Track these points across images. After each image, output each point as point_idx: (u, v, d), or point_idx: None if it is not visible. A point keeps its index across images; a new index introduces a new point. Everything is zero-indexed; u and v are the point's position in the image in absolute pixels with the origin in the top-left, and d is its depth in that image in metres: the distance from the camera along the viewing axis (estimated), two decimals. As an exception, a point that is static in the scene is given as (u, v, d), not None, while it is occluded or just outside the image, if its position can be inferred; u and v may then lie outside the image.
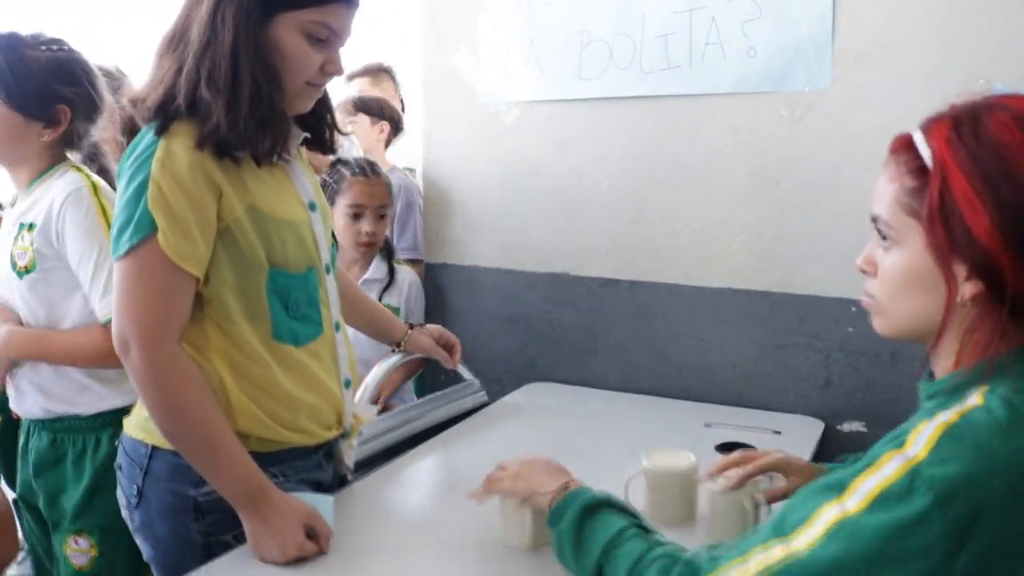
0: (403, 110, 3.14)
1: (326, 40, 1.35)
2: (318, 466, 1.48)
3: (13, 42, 1.66)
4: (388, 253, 2.35)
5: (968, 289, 0.91)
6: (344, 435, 1.53)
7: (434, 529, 1.44)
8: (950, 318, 0.94)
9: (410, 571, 1.32)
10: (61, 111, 1.70)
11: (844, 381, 1.95)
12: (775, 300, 2.00)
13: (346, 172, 2.26)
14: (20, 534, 1.40)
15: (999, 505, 0.82)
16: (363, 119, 2.88)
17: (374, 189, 2.25)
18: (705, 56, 1.96)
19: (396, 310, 2.28)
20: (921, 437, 0.87)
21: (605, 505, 1.13)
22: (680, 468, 1.43)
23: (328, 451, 1.51)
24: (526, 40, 2.17)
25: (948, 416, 0.88)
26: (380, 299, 2.26)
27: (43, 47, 1.69)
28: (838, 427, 1.94)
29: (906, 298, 0.98)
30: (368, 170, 2.26)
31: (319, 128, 1.53)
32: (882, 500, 0.84)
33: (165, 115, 1.31)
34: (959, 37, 1.74)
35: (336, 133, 1.57)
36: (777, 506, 1.26)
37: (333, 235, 1.94)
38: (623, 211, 2.15)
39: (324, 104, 1.51)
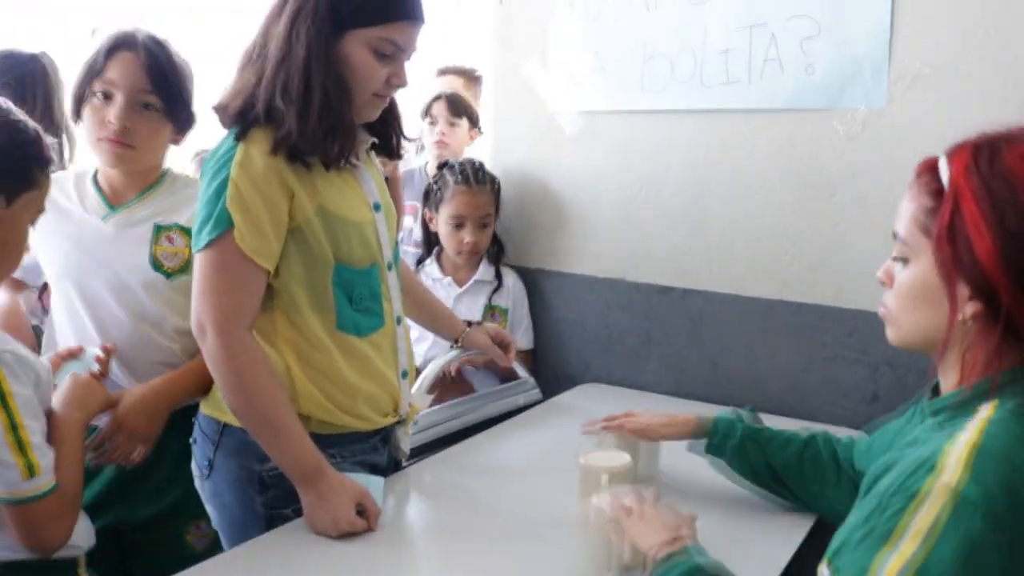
0: None
1: (392, 55, 1.46)
2: (374, 449, 1.59)
3: (160, 41, 1.68)
4: (497, 256, 2.40)
5: (969, 308, 0.97)
6: (400, 422, 1.63)
7: (479, 514, 1.54)
8: (952, 334, 0.99)
9: (453, 551, 1.41)
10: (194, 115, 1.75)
11: (891, 395, 1.97)
12: (825, 313, 2.03)
13: (450, 179, 2.32)
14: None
15: None
16: (464, 123, 2.94)
17: (477, 200, 2.31)
18: (764, 72, 2.00)
19: (505, 311, 2.36)
20: (953, 462, 0.90)
21: (707, 571, 1.11)
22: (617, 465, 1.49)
23: (384, 436, 1.62)
24: (592, 51, 2.25)
25: (970, 435, 0.93)
26: (490, 300, 2.35)
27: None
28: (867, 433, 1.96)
29: (914, 311, 1.04)
30: (472, 179, 2.31)
31: (386, 135, 1.64)
32: (939, 533, 0.86)
33: (244, 122, 1.44)
34: (1015, 62, 1.75)
35: (402, 139, 1.69)
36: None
37: (432, 234, 2.08)
38: (680, 220, 2.20)
39: (392, 112, 1.62)
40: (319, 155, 1.45)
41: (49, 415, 1.35)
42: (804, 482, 1.48)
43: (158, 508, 1.70)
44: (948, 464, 0.90)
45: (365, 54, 1.45)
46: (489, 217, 2.34)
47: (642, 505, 1.25)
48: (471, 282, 2.36)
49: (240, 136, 1.42)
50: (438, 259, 2.41)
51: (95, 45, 1.65)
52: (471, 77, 3.26)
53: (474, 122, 2.98)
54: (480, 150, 2.64)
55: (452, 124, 2.92)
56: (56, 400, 1.39)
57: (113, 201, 1.70)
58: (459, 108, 2.92)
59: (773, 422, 1.99)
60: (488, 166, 2.43)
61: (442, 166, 2.40)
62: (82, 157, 2.05)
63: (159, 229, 1.68)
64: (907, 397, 1.94)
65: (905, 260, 1.07)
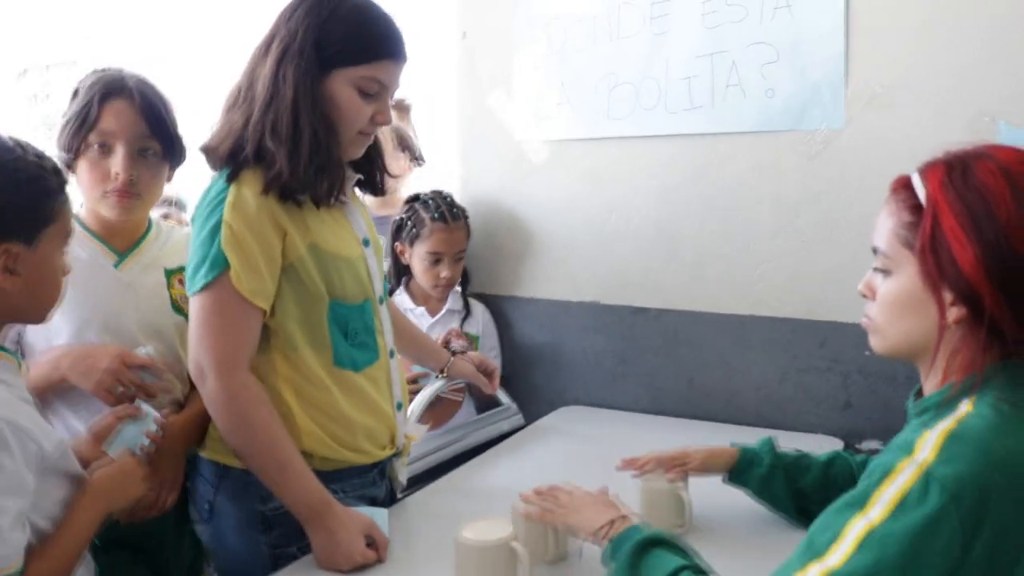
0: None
1: (376, 94, 1.50)
2: (373, 483, 1.61)
3: (147, 81, 1.65)
4: (464, 285, 2.43)
5: (953, 313, 1.04)
6: (397, 454, 1.65)
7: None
8: (942, 339, 1.06)
9: None
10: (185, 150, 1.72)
11: (862, 403, 2.05)
12: (796, 326, 2.10)
13: (425, 216, 2.31)
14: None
15: (1000, 497, 0.93)
16: (403, 157, 2.96)
17: (454, 236, 2.32)
18: (727, 97, 2.08)
19: (475, 338, 2.38)
20: (927, 443, 0.97)
21: (659, 543, 1.18)
22: (666, 485, 1.53)
23: (382, 469, 1.64)
24: (557, 83, 2.31)
25: (947, 423, 1.00)
26: (460, 329, 2.34)
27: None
28: (856, 446, 2.04)
29: (899, 320, 1.11)
30: (448, 215, 2.31)
31: (370, 171, 1.67)
32: (903, 506, 0.94)
33: (235, 163, 1.45)
34: (965, 80, 1.85)
35: (386, 175, 1.72)
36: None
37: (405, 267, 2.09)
38: (652, 243, 2.26)
39: (375, 149, 1.65)
40: (310, 193, 1.47)
41: (79, 482, 1.27)
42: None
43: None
44: (923, 447, 0.97)
45: (351, 93, 1.48)
46: (464, 251, 2.37)
47: (569, 496, 1.36)
48: (443, 311, 2.38)
49: (231, 178, 1.44)
50: (407, 288, 2.43)
51: (80, 92, 1.59)
52: (403, 107, 3.30)
53: (412, 157, 3.01)
54: (448, 181, 2.66)
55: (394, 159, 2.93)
56: (92, 479, 1.30)
57: (120, 248, 1.65)
58: (403, 143, 2.94)
59: (750, 434, 2.06)
60: (457, 197, 2.46)
61: (412, 200, 2.41)
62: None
63: (169, 273, 1.67)
64: (878, 403, 2.04)
65: (887, 272, 1.13)
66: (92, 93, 1.58)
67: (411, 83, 3.24)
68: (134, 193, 1.59)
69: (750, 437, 2.02)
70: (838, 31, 1.94)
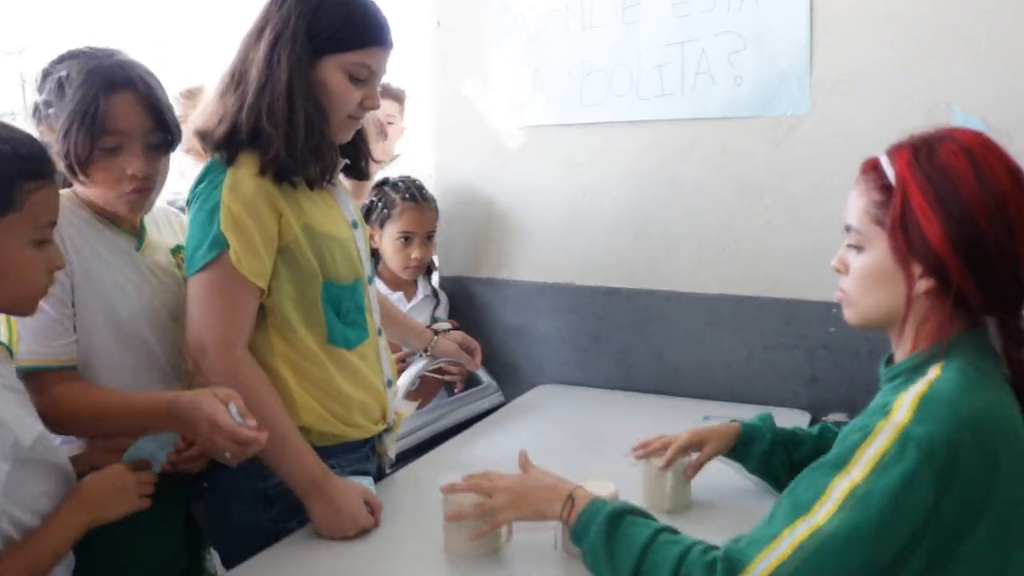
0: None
1: (365, 79, 1.55)
2: (366, 458, 1.67)
3: (147, 69, 1.54)
4: (429, 272, 2.47)
5: (922, 285, 1.13)
6: (387, 429, 1.71)
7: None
8: (911, 309, 1.15)
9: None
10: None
11: (828, 377, 2.15)
12: (763, 304, 2.19)
13: (395, 196, 2.35)
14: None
15: (968, 452, 1.02)
16: (383, 144, 2.99)
17: (424, 216, 2.36)
18: (696, 84, 2.16)
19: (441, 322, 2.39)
20: (903, 406, 1.06)
21: (627, 512, 1.22)
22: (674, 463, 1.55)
23: (373, 445, 1.70)
24: (532, 70, 2.37)
25: (920, 387, 1.09)
26: (432, 315, 2.40)
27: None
28: (823, 418, 2.13)
29: (871, 292, 1.19)
30: (418, 195, 2.35)
31: (356, 156, 1.72)
32: (882, 464, 1.02)
33: (231, 146, 1.50)
34: (923, 68, 1.95)
35: (371, 160, 1.77)
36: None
37: (373, 251, 2.12)
38: (623, 225, 2.34)
39: (360, 135, 1.70)
40: (305, 175, 1.52)
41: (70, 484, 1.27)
42: None
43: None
44: (899, 408, 1.06)
45: (341, 78, 1.53)
46: (434, 232, 2.41)
47: (506, 487, 1.36)
48: (420, 297, 2.43)
49: (229, 161, 1.48)
50: (379, 275, 2.42)
51: (73, 85, 1.43)
52: (401, 99, 3.33)
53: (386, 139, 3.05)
54: (424, 167, 2.70)
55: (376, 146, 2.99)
56: (83, 485, 1.28)
57: (135, 233, 1.58)
58: (384, 130, 2.98)
59: (722, 409, 2.16)
60: (433, 182, 2.52)
61: (381, 184, 2.43)
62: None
63: (173, 252, 1.63)
64: (842, 377, 2.14)
65: (859, 248, 1.21)
66: (93, 88, 1.42)
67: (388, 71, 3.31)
68: (149, 188, 1.51)
69: (721, 410, 2.14)
70: (803, 21, 2.03)
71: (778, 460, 1.56)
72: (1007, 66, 1.89)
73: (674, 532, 1.19)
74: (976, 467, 1.02)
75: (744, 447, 1.58)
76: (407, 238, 2.35)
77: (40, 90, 1.48)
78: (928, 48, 1.95)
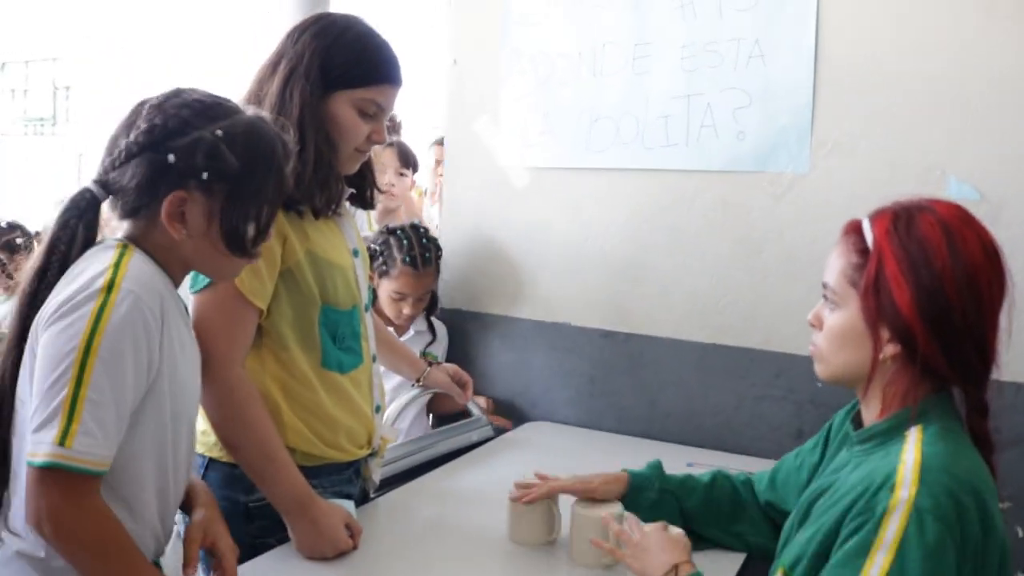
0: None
1: (373, 115, 1.61)
2: (349, 481, 1.70)
3: None
4: (430, 310, 2.49)
5: (889, 349, 1.16)
6: (372, 454, 1.75)
7: (447, 538, 1.65)
8: (876, 371, 1.18)
9: (428, 571, 1.52)
10: None
11: (814, 431, 2.12)
12: (755, 356, 2.22)
13: (397, 256, 2.35)
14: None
15: (971, 517, 1.05)
16: (411, 173, 2.97)
17: (420, 281, 2.37)
18: (700, 137, 2.21)
19: (435, 358, 2.44)
20: (907, 478, 1.07)
21: None
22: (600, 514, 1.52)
23: (357, 468, 1.73)
24: (541, 114, 2.43)
25: (914, 455, 1.11)
26: (424, 350, 2.42)
27: None
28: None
29: (841, 350, 1.23)
30: (419, 261, 2.35)
31: (362, 186, 1.77)
32: (905, 543, 1.03)
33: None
34: (920, 134, 2.00)
35: (376, 191, 1.82)
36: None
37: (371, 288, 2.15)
38: (623, 270, 2.38)
39: (367, 166, 1.76)
40: (310, 204, 1.57)
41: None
42: (719, 521, 1.59)
43: None
44: (903, 482, 1.07)
45: (351, 113, 1.58)
46: (429, 292, 2.43)
47: (640, 536, 1.36)
48: (411, 333, 2.46)
49: (239, 187, 1.53)
50: (375, 309, 2.42)
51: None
52: (394, 123, 3.40)
53: (416, 169, 3.05)
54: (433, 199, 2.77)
55: (400, 174, 2.97)
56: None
57: None
58: (408, 159, 2.98)
59: (708, 457, 2.19)
60: (440, 215, 2.56)
61: (389, 232, 2.42)
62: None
63: None
64: (828, 432, 2.16)
65: (834, 306, 1.25)
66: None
67: (404, 104, 3.38)
68: None
69: (706, 458, 2.16)
70: (806, 82, 2.08)
71: (667, 509, 1.57)
72: (1003, 135, 1.93)
73: None
74: (977, 529, 1.05)
75: (633, 496, 1.58)
76: (401, 297, 2.38)
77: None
78: (926, 114, 1.99)
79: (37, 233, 3.30)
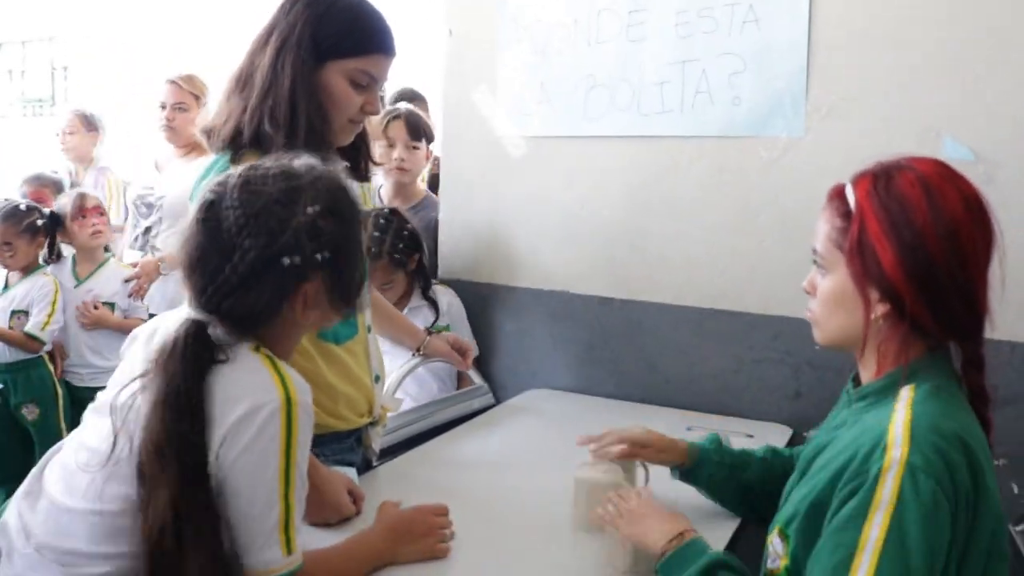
0: None
1: (366, 85, 1.61)
2: (351, 449, 1.72)
3: None
4: (425, 284, 2.48)
5: (879, 310, 1.17)
6: (373, 423, 1.77)
7: (448, 503, 1.67)
8: (868, 332, 1.19)
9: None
10: None
11: (812, 392, 2.19)
12: (753, 320, 2.24)
13: None
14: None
15: (961, 471, 1.06)
16: (423, 145, 2.82)
17: (373, 273, 2.28)
18: (696, 103, 2.21)
19: (446, 328, 2.43)
20: (897, 438, 1.08)
21: (722, 567, 1.22)
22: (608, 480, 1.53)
23: (358, 437, 1.75)
24: (538, 82, 2.43)
25: (904, 415, 1.11)
26: (433, 326, 2.38)
27: None
28: (804, 433, 2.18)
29: (834, 314, 1.24)
30: (372, 253, 2.25)
31: (356, 158, 1.78)
32: (903, 501, 1.04)
33: (235, 147, 1.56)
34: (916, 95, 1.99)
35: (370, 162, 1.83)
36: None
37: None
38: (620, 237, 2.39)
39: (361, 137, 1.76)
40: None
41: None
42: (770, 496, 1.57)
43: None
44: (894, 442, 1.08)
45: (343, 83, 1.59)
46: (391, 283, 2.39)
47: (637, 504, 1.38)
48: (406, 310, 2.44)
49: (233, 160, 1.54)
50: None
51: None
52: (423, 100, 3.35)
53: (431, 140, 2.88)
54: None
55: (411, 148, 2.77)
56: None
57: None
58: (418, 131, 2.81)
59: (707, 420, 2.21)
60: (440, 185, 2.56)
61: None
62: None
63: None
64: (825, 393, 2.17)
65: (824, 271, 1.26)
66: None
67: (402, 76, 3.36)
68: None
69: (706, 422, 2.18)
70: (801, 46, 2.08)
71: (727, 480, 1.58)
72: (998, 96, 1.93)
73: None
74: (969, 486, 1.06)
75: (693, 470, 1.59)
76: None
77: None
78: (922, 76, 1.99)
79: (52, 212, 3.32)
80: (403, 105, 2.94)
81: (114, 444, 1.15)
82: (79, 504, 1.17)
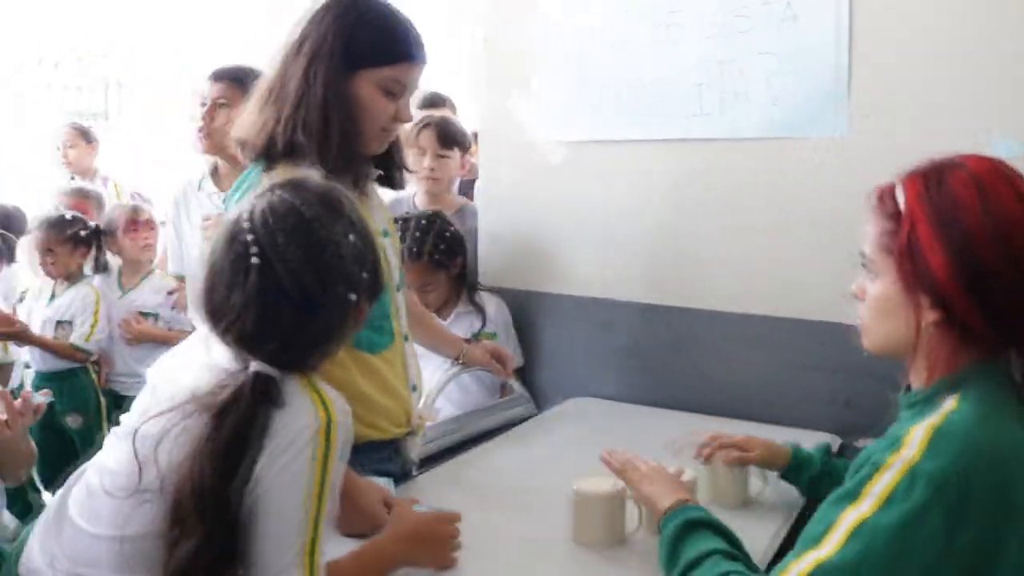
0: None
1: (398, 93, 1.61)
2: (388, 459, 1.72)
3: None
4: (470, 289, 2.48)
5: (930, 316, 1.12)
6: (411, 433, 1.76)
7: (486, 520, 1.62)
8: (919, 340, 1.14)
9: (464, 553, 1.52)
10: None
11: (861, 402, 2.12)
12: (798, 326, 2.18)
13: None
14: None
15: (984, 489, 1.01)
16: (455, 153, 2.78)
17: (411, 273, 2.26)
18: (734, 104, 2.17)
19: (492, 335, 2.43)
20: (914, 440, 1.05)
21: (706, 525, 1.26)
22: (606, 492, 1.52)
23: (396, 447, 1.75)
24: (573, 86, 2.41)
25: (934, 419, 1.08)
26: (479, 332, 2.39)
27: None
28: (855, 444, 2.12)
29: (883, 321, 1.19)
30: (406, 253, 2.29)
31: (389, 167, 1.78)
32: (890, 500, 1.02)
33: (269, 157, 1.57)
34: (963, 95, 1.93)
35: (404, 171, 1.82)
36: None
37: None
38: (660, 242, 2.35)
39: (395, 146, 1.76)
40: None
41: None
42: None
43: None
44: (911, 443, 1.05)
45: (375, 92, 1.59)
46: (430, 284, 2.38)
47: (647, 466, 1.45)
48: (453, 315, 2.45)
49: (267, 170, 1.55)
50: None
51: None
52: (447, 103, 3.30)
53: (465, 148, 2.86)
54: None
55: (441, 156, 2.74)
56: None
57: None
58: (448, 138, 2.78)
59: (753, 428, 2.14)
60: (477, 194, 2.55)
61: (401, 220, 2.38)
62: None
63: None
64: (877, 402, 2.10)
65: (873, 276, 1.21)
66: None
67: (439, 82, 3.36)
68: None
69: (752, 431, 2.10)
70: (842, 43, 2.02)
71: (827, 486, 1.55)
72: (1050, 92, 1.86)
73: (733, 556, 1.21)
74: (993, 504, 1.01)
75: (796, 471, 1.65)
76: (409, 286, 2.28)
77: None
78: (969, 72, 1.93)
79: (96, 226, 3.38)
80: (436, 113, 2.93)
81: (140, 476, 1.14)
82: (104, 531, 1.17)
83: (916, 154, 1.18)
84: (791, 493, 1.68)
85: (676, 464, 1.57)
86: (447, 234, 2.42)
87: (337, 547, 1.47)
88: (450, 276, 2.43)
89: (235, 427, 1.12)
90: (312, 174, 1.32)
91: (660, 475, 1.44)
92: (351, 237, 1.20)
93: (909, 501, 1.00)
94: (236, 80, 2.51)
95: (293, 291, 1.14)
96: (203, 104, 3.33)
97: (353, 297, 1.20)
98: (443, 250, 2.40)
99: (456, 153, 2.79)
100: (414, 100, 3.23)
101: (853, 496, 1.05)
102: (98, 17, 7.69)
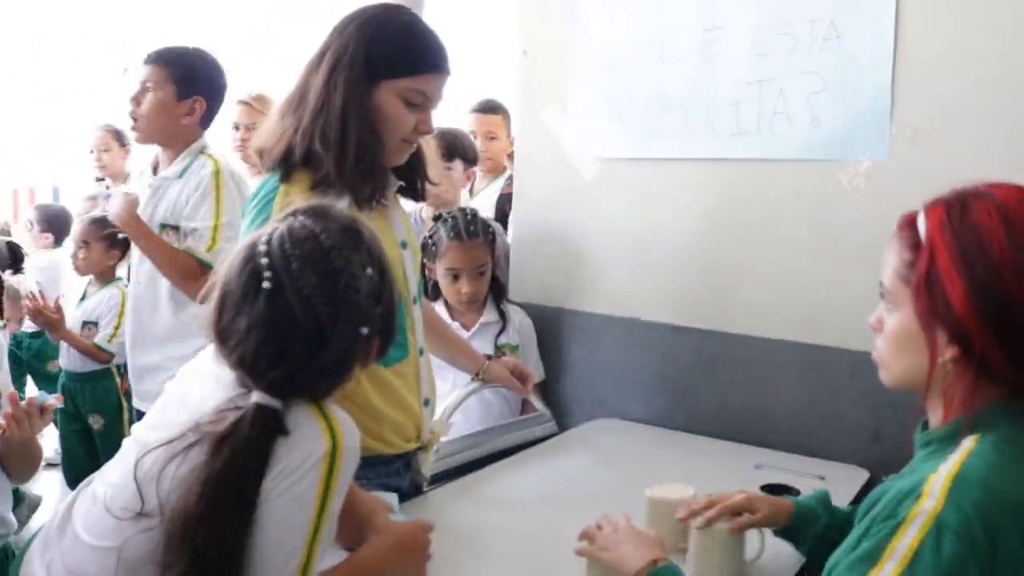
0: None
1: (420, 104, 1.59)
2: (397, 474, 1.69)
3: None
4: (498, 296, 2.46)
5: (948, 352, 1.06)
6: (422, 448, 1.73)
7: (495, 541, 1.62)
8: (933, 376, 1.08)
9: (464, 568, 1.50)
10: None
11: (893, 434, 2.04)
12: (829, 355, 2.11)
13: (443, 234, 2.33)
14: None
15: (1007, 535, 0.95)
16: (458, 165, 2.83)
17: (470, 253, 2.33)
18: (772, 124, 2.11)
19: (515, 348, 2.40)
20: (935, 488, 0.99)
21: None
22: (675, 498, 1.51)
23: (407, 462, 1.72)
24: (609, 101, 2.37)
25: (951, 466, 1.02)
26: (497, 340, 2.38)
27: None
28: (884, 478, 2.03)
29: (900, 355, 1.13)
30: (464, 233, 2.32)
31: (412, 178, 1.76)
32: (918, 557, 0.95)
33: (287, 165, 1.56)
34: (1007, 119, 1.85)
35: (427, 182, 1.80)
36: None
37: (423, 270, 2.11)
38: (693, 263, 2.30)
39: (418, 157, 1.74)
40: (353, 195, 1.56)
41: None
42: None
43: None
44: (930, 492, 0.99)
45: (396, 103, 1.57)
46: (484, 267, 2.37)
47: (611, 529, 1.35)
48: (477, 325, 2.41)
49: (284, 179, 1.54)
50: (445, 304, 2.43)
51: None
52: (501, 112, 3.27)
53: (469, 160, 2.87)
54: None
55: (445, 168, 2.76)
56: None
57: None
58: (453, 150, 2.80)
59: (779, 459, 2.09)
60: (512, 208, 2.52)
61: (437, 218, 2.42)
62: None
63: None
64: (906, 437, 2.03)
65: (891, 307, 1.15)
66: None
67: (476, 94, 3.35)
68: None
69: (776, 460, 2.07)
70: (886, 64, 1.96)
71: (831, 545, 1.47)
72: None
73: None
74: (1017, 550, 0.96)
75: (799, 529, 1.47)
76: (455, 275, 2.34)
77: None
78: (1017, 99, 1.85)
79: None
80: (443, 127, 2.88)
81: (142, 503, 1.13)
82: (101, 543, 1.17)
83: (958, 179, 1.12)
84: (786, 550, 1.52)
85: (680, 483, 1.53)
86: (489, 226, 2.44)
87: (334, 560, 1.46)
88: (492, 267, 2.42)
89: (231, 459, 1.10)
90: (337, 204, 1.30)
91: (624, 536, 1.33)
92: (368, 271, 1.18)
93: (939, 556, 0.95)
94: (163, 62, 2.45)
95: (303, 319, 1.12)
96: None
97: (365, 331, 1.17)
98: (492, 234, 2.41)
99: (459, 165, 2.81)
100: (469, 104, 3.25)
101: (874, 558, 0.98)
102: (98, 17, 7.83)
